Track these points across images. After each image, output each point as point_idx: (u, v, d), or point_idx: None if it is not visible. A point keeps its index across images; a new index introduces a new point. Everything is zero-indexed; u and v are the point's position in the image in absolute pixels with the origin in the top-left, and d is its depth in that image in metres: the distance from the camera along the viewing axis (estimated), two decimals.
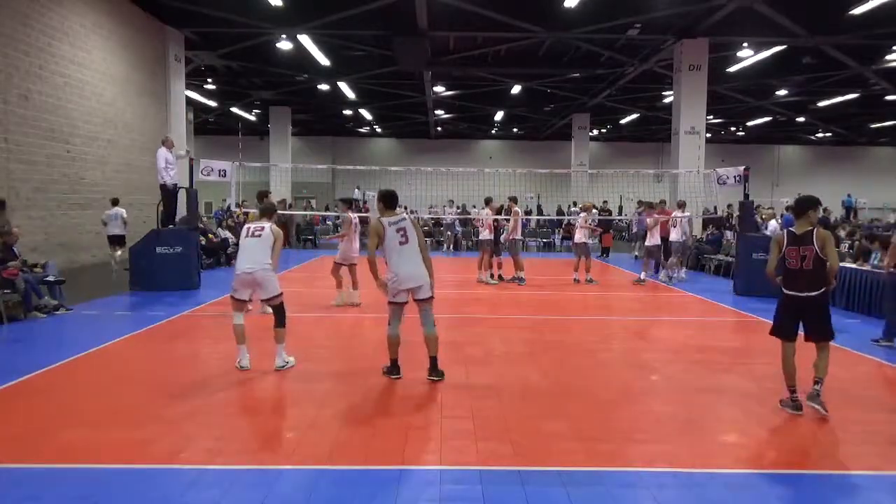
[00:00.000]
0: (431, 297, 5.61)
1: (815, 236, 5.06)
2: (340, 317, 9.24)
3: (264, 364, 6.15)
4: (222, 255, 15.49)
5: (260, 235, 5.93)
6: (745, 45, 19.16)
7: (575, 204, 27.70)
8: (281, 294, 6.04)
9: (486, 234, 12.93)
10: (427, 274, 5.54)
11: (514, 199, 13.19)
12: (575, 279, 13.24)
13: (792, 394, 5.11)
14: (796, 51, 20.37)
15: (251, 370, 6.05)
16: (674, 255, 13.69)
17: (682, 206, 14.26)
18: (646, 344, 7.94)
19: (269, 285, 5.92)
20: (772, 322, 5.34)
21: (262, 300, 6.00)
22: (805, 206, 5.21)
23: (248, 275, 5.89)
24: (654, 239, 13.40)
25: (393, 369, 5.87)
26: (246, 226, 6.16)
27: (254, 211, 10.55)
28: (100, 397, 5.43)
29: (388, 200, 5.55)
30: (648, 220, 13.75)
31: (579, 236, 13.46)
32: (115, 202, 14.05)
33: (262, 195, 9.78)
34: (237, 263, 6.07)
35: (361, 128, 38.50)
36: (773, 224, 14.69)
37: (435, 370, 5.77)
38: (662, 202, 16.36)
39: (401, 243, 5.37)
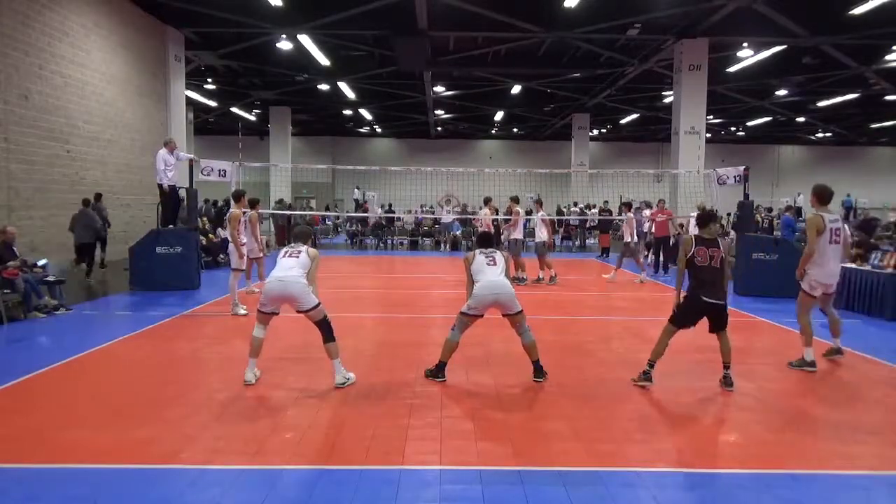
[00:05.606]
0: (520, 312, 5.91)
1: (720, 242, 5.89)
2: (341, 317, 9.20)
3: (260, 366, 6.14)
4: (222, 255, 15.46)
5: (298, 256, 5.78)
6: (745, 45, 19.14)
7: (575, 204, 27.72)
8: (320, 304, 5.70)
9: None
10: (509, 287, 5.94)
11: (515, 199, 13.16)
12: (641, 280, 13.49)
13: (651, 368, 5.90)
14: (796, 51, 20.34)
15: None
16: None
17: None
18: (646, 344, 7.89)
19: (305, 297, 5.62)
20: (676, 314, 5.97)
21: (299, 311, 5.81)
22: (715, 217, 6.32)
23: (279, 282, 5.62)
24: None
25: (438, 371, 5.95)
26: (283, 249, 6.00)
27: (252, 211, 10.50)
28: (100, 397, 5.44)
29: (480, 243, 6.46)
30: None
31: (627, 237, 13.82)
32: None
33: (239, 195, 9.79)
34: (269, 275, 5.84)
35: (361, 128, 38.48)
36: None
37: (538, 372, 6.00)
38: (662, 202, 16.35)
39: (488, 264, 5.99)
